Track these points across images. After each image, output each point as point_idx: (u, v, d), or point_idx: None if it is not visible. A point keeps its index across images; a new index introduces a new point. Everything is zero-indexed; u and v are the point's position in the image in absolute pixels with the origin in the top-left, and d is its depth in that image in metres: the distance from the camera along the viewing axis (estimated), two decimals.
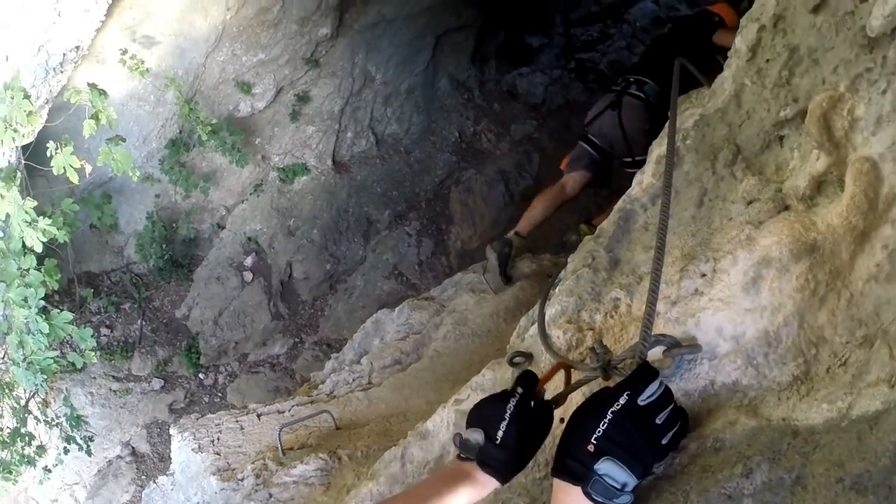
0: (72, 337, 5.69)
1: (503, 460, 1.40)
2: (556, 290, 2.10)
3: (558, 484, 1.27)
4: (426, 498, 1.39)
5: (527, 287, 5.01)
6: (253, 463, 3.75)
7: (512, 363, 1.83)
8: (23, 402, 6.00)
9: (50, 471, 6.47)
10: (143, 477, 7.86)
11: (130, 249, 9.01)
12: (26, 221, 4.90)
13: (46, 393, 6.72)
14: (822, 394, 1.16)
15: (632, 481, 1.20)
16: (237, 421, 4.29)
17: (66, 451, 6.46)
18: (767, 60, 1.59)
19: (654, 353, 1.36)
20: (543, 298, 2.20)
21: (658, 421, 1.23)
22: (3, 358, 5.65)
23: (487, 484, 1.41)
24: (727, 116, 1.73)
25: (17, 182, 5.24)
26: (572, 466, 1.23)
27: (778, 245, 1.30)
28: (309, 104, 9.18)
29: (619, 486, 1.19)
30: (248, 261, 9.37)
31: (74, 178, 5.20)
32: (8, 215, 4.92)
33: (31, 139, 5.45)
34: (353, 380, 4.81)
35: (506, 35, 11.42)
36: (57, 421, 6.61)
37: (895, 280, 1.11)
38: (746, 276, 1.34)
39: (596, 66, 11.76)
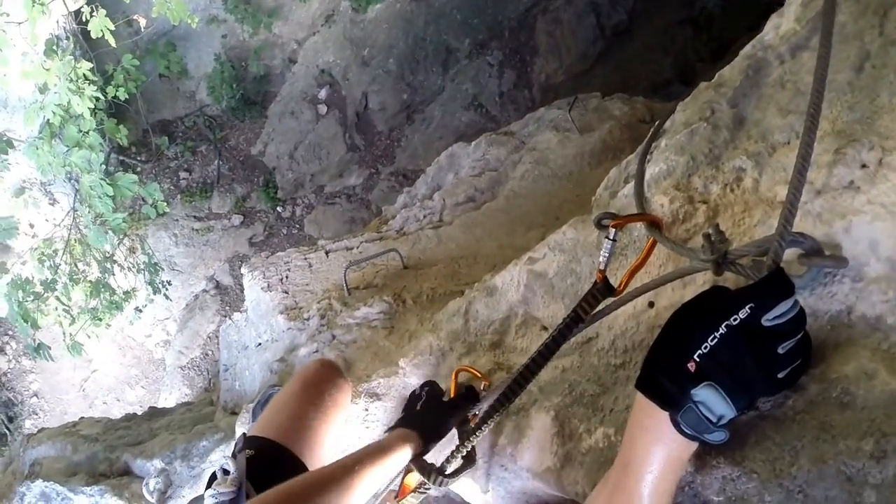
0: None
1: (420, 421, 1.78)
2: (662, 143, 1.74)
3: (641, 402, 1.05)
4: (364, 459, 1.52)
5: (615, 131, 4.58)
6: (319, 302, 3.72)
7: (600, 225, 1.53)
8: (109, 254, 6.30)
9: (141, 311, 6.95)
10: (226, 308, 8.33)
11: (202, 93, 9.00)
12: (71, 90, 4.87)
13: (132, 241, 7.07)
14: None
15: (730, 414, 0.97)
16: (305, 258, 4.25)
17: (156, 292, 6.84)
18: None
19: (785, 256, 1.04)
20: (644, 152, 1.83)
21: (780, 350, 0.96)
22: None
23: (409, 441, 1.66)
24: None
25: (68, 50, 5.15)
26: (664, 386, 1.00)
27: None
28: None
29: (714, 419, 0.97)
30: (322, 93, 9.15)
31: (112, 41, 5.12)
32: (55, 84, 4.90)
33: (82, 2, 5.27)
34: (424, 216, 4.65)
35: None
36: (142, 267, 6.96)
37: None
38: None
39: None
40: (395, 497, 1.66)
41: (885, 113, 1.12)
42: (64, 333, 5.95)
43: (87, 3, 5.05)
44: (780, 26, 1.55)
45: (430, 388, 1.96)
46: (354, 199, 9.24)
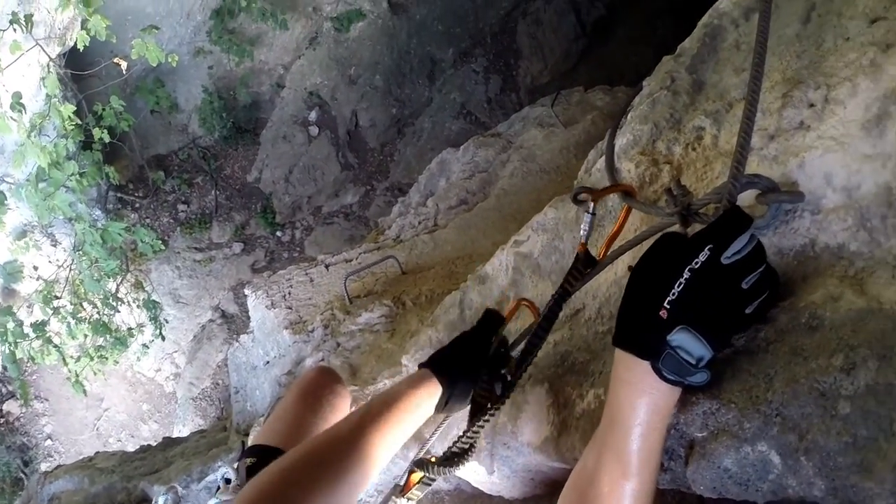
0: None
1: (444, 359, 1.53)
2: (629, 116, 1.80)
3: (621, 358, 1.07)
4: (396, 396, 1.41)
5: (598, 121, 4.66)
6: (322, 314, 3.78)
7: (576, 200, 1.58)
8: (113, 291, 6.42)
9: (147, 347, 7.00)
10: (233, 336, 8.37)
11: (194, 125, 9.10)
12: (38, 147, 5.05)
13: (136, 276, 7.19)
14: None
15: (708, 355, 1.00)
16: (306, 274, 4.31)
17: (156, 329, 6.92)
18: None
19: (745, 199, 1.07)
20: (614, 126, 1.90)
21: (744, 285, 0.99)
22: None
23: (434, 383, 1.47)
24: None
25: (51, 95, 5.27)
26: (640, 337, 1.02)
27: None
28: None
29: (693, 361, 0.99)
30: (313, 115, 9.24)
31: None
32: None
33: (65, 47, 5.53)
34: (419, 223, 4.72)
35: None
36: (142, 304, 7.09)
37: None
38: (868, 112, 1.01)
39: None
40: (401, 492, 1.59)
41: (830, 55, 1.16)
42: (69, 372, 6.03)
43: (50, 60, 5.21)
44: None
45: (482, 323, 1.65)
46: (352, 217, 9.31)
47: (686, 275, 0.98)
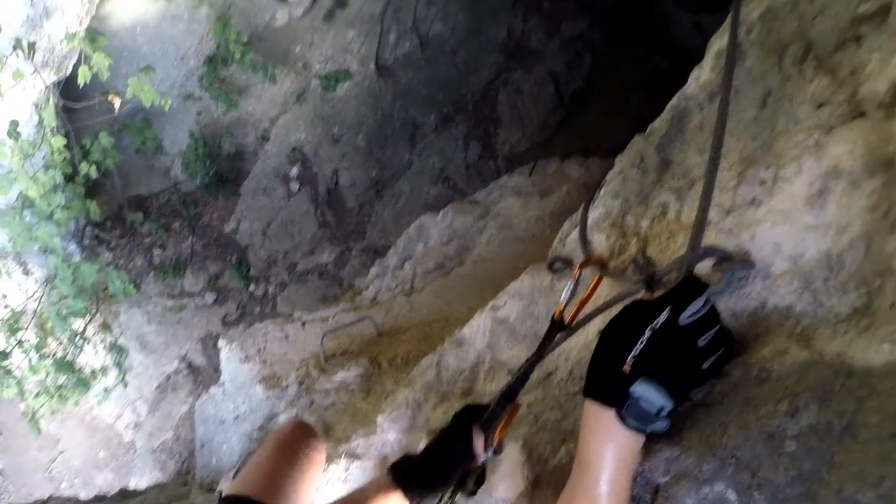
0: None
1: (411, 469, 1.51)
2: (601, 191, 1.95)
3: (589, 406, 1.16)
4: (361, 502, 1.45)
5: (573, 192, 4.84)
6: (297, 370, 3.80)
7: (551, 268, 1.70)
8: (79, 330, 6.30)
9: (109, 392, 6.89)
10: (199, 388, 8.20)
11: (177, 169, 9.08)
12: (28, 176, 5.08)
13: (104, 317, 7.06)
14: (884, 332, 1.01)
15: (668, 406, 1.09)
16: (282, 330, 4.34)
17: (120, 375, 6.79)
18: None
19: (703, 267, 1.21)
20: (588, 200, 2.06)
21: (700, 343, 1.10)
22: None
23: (399, 497, 1.47)
24: (798, 8, 1.49)
25: (46, 125, 5.30)
26: (606, 388, 1.13)
27: (850, 156, 1.11)
28: (347, 8, 8.83)
29: (654, 411, 1.09)
30: (294, 171, 9.34)
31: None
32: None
33: (61, 76, 5.55)
34: (396, 285, 4.80)
35: None
36: (109, 347, 6.94)
37: None
38: (812, 188, 1.15)
39: None
40: None
41: (781, 137, 1.31)
42: (27, 407, 5.88)
43: (47, 88, 5.22)
44: (699, 77, 1.77)
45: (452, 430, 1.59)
46: (327, 276, 9.32)
47: (647, 333, 1.09)
